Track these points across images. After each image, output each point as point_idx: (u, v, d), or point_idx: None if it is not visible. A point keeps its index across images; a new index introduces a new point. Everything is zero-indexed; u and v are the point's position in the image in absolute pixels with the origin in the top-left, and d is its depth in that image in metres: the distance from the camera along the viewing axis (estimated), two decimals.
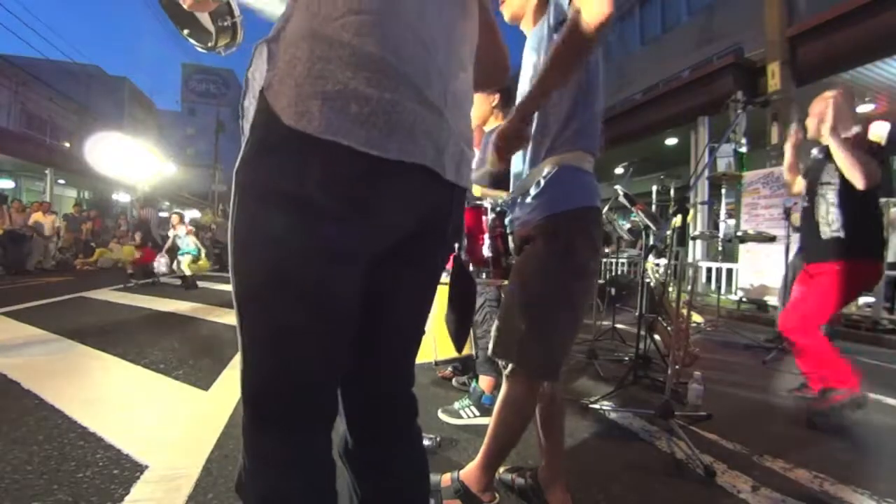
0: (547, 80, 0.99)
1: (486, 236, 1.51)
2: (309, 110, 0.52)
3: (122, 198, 15.93)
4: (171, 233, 7.37)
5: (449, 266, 0.78)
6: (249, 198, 0.56)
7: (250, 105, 0.57)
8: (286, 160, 0.54)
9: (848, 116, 2.15)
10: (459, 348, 0.76)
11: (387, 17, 0.55)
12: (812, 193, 2.24)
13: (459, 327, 0.77)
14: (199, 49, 0.90)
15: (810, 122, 2.24)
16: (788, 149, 2.44)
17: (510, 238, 1.33)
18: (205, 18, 0.85)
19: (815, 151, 2.32)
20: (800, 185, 2.39)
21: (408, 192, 0.60)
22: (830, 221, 2.13)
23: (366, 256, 0.60)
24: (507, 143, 1.05)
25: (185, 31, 0.88)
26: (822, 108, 2.16)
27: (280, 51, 0.55)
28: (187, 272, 6.69)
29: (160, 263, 6.91)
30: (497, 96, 2.05)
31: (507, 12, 1.27)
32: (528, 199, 1.18)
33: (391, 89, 0.55)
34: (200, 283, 6.96)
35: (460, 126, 0.67)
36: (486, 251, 1.50)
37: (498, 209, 1.50)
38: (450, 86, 0.63)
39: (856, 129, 2.15)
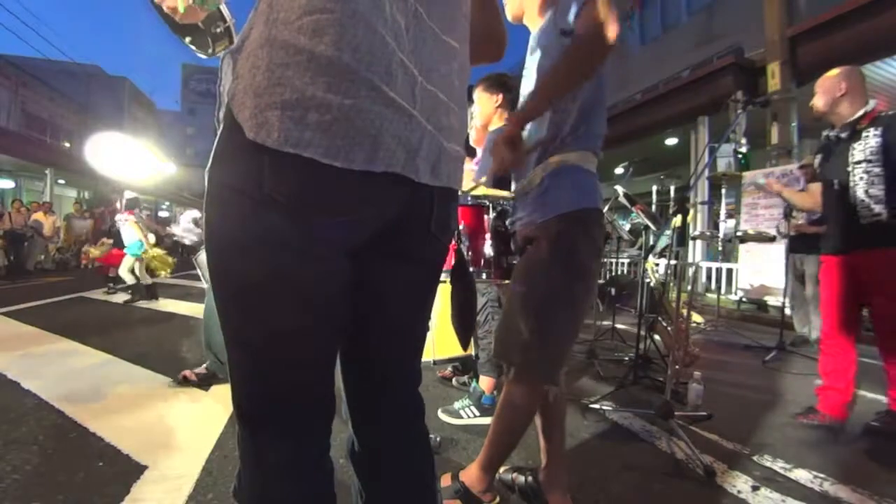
0: (549, 90, 1.00)
1: (488, 236, 1.51)
2: (268, 121, 0.50)
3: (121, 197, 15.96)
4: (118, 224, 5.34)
5: (448, 266, 0.77)
6: (214, 202, 0.57)
7: (221, 117, 0.57)
8: (246, 168, 0.53)
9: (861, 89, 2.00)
10: (464, 346, 0.76)
11: (344, 15, 0.52)
12: (839, 175, 1.96)
13: (460, 328, 0.77)
14: (202, 56, 0.92)
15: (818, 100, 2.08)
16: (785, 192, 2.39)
17: (512, 238, 1.33)
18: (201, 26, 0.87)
19: (830, 132, 2.05)
20: (816, 193, 2.18)
21: (375, 195, 0.58)
22: (870, 204, 1.86)
23: (333, 255, 0.58)
24: (505, 149, 1.03)
25: (187, 40, 0.89)
26: (830, 84, 2.05)
27: (242, 60, 0.54)
28: (128, 279, 5.01)
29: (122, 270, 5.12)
30: (500, 96, 2.04)
31: (508, 13, 1.26)
32: (530, 200, 1.17)
33: (352, 94, 0.52)
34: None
35: (440, 121, 0.63)
36: (488, 250, 1.50)
37: (499, 208, 1.49)
38: (423, 80, 0.60)
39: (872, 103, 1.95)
